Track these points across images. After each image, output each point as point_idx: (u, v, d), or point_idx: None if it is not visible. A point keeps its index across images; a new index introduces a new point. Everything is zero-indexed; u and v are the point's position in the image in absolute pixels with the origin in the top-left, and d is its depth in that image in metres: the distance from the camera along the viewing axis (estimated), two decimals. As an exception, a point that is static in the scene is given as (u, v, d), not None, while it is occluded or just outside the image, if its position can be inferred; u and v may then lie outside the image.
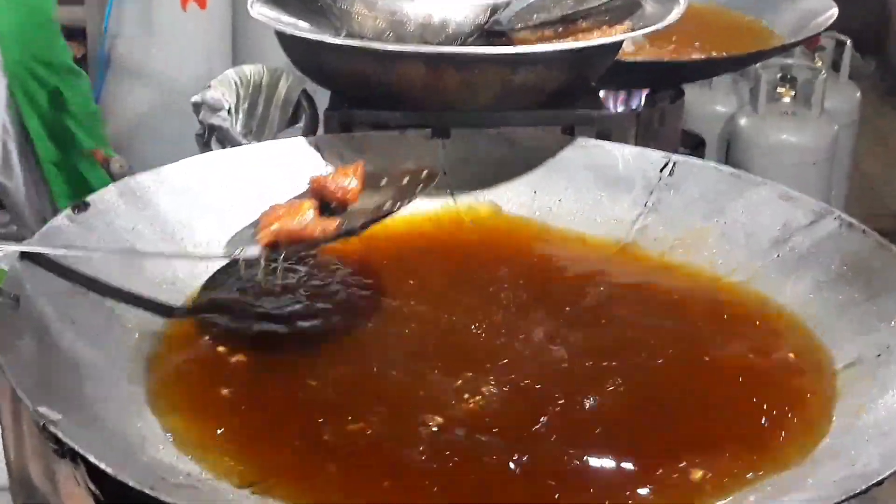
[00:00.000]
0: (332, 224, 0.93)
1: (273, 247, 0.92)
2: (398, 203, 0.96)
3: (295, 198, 0.99)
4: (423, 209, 1.15)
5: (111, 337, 0.88)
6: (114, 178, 1.15)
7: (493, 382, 0.85)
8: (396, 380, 0.87)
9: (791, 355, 0.91)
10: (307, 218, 0.93)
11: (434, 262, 1.07)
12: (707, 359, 0.90)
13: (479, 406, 0.83)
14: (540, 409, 0.82)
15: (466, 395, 0.84)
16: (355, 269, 1.04)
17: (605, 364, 0.88)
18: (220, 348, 0.90)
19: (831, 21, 1.71)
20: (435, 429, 0.80)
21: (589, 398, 0.84)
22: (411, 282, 1.02)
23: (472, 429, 0.80)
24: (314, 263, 1.03)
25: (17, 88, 1.65)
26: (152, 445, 0.77)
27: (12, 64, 1.64)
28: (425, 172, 1.02)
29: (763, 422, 0.82)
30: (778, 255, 1.02)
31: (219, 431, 0.80)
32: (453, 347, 0.91)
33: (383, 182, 1.03)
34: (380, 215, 0.95)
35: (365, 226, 0.94)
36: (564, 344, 0.91)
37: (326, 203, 0.98)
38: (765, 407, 0.84)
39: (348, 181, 0.98)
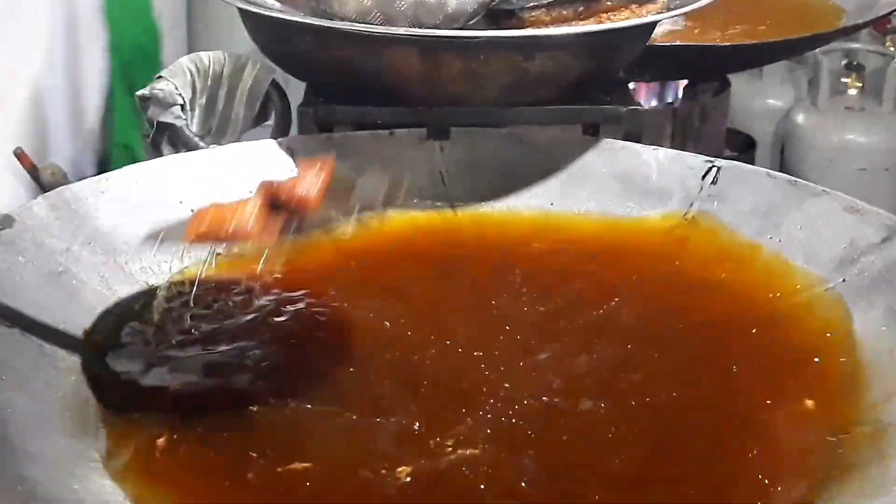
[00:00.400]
0: (276, 223, 0.94)
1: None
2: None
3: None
4: (419, 224, 1.16)
5: (41, 380, 0.88)
6: (44, 188, 1.15)
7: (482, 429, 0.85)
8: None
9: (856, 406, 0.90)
10: (247, 214, 0.93)
11: (431, 287, 1.07)
12: (749, 412, 0.90)
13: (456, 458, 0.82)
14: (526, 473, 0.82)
15: (443, 443, 0.84)
16: (334, 292, 1.04)
17: (622, 410, 0.89)
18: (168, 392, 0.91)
19: (905, -2, 1.72)
20: (399, 479, 0.80)
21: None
22: (400, 309, 1.02)
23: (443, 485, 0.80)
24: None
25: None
26: (91, 511, 0.77)
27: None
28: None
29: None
30: (844, 280, 1.02)
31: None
32: (439, 384, 0.91)
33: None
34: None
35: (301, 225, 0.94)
36: (580, 388, 0.91)
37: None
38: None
39: (309, 183, 0.97)
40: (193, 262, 1.06)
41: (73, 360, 0.91)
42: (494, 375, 0.91)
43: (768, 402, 0.90)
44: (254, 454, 0.83)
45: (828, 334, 0.98)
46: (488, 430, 0.85)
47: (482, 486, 0.80)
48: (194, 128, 1.34)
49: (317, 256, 1.10)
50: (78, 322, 0.95)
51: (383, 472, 0.81)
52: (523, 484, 0.80)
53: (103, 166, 1.65)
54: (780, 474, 0.82)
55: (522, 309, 1.01)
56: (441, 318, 1.00)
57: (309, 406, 0.88)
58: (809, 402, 0.90)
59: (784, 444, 0.86)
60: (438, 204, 1.18)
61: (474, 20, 1.23)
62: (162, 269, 1.05)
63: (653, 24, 1.26)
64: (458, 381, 0.91)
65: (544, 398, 0.89)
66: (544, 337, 0.97)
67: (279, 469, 0.81)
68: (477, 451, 0.83)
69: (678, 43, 1.69)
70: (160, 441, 0.85)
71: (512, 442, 0.84)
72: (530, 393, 0.89)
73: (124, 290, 1.01)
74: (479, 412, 0.87)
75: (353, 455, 0.83)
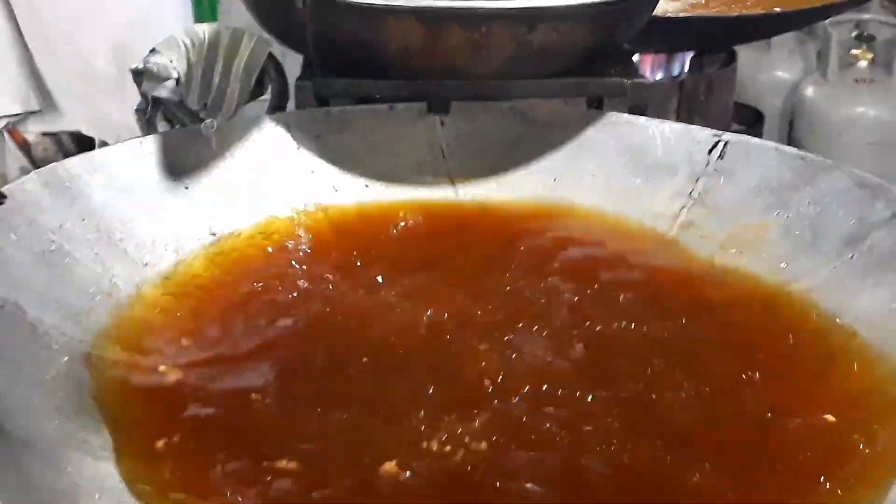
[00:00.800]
0: None
1: None
2: None
3: None
4: (418, 200, 1.15)
5: (34, 361, 0.88)
6: (37, 164, 1.14)
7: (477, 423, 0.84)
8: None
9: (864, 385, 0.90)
10: None
11: (430, 268, 1.06)
12: (765, 396, 0.89)
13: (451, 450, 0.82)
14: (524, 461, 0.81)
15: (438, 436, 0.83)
16: (330, 272, 1.04)
17: (625, 398, 0.88)
18: (165, 372, 0.90)
19: (917, -33, 1.71)
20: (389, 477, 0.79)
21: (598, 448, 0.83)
22: (396, 292, 1.01)
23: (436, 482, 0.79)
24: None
25: None
26: (85, 496, 0.77)
27: None
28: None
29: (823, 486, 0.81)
30: (853, 257, 1.01)
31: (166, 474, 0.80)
32: (434, 370, 0.90)
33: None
34: None
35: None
36: (582, 375, 0.90)
37: None
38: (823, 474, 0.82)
39: None
40: (188, 239, 1.06)
41: (65, 340, 0.91)
42: (494, 358, 0.91)
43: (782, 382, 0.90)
44: (248, 442, 0.83)
45: (837, 320, 0.98)
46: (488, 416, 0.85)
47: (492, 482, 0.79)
48: (189, 102, 1.33)
49: (315, 235, 1.10)
50: (71, 301, 0.94)
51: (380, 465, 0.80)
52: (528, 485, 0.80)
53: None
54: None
55: (528, 302, 1.01)
56: (438, 298, 0.99)
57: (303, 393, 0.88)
58: (818, 378, 0.90)
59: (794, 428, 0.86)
60: (438, 179, 1.17)
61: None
62: (157, 246, 1.04)
63: (658, -5, 1.25)
64: (456, 367, 0.91)
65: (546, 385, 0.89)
66: (542, 318, 0.97)
67: (265, 464, 0.81)
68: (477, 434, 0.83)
69: (685, 14, 1.69)
70: (156, 425, 0.85)
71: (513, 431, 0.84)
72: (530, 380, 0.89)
73: (119, 267, 1.01)
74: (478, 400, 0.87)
75: (350, 446, 0.83)
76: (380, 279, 1.03)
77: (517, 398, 0.87)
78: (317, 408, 0.86)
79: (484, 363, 0.91)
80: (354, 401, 0.87)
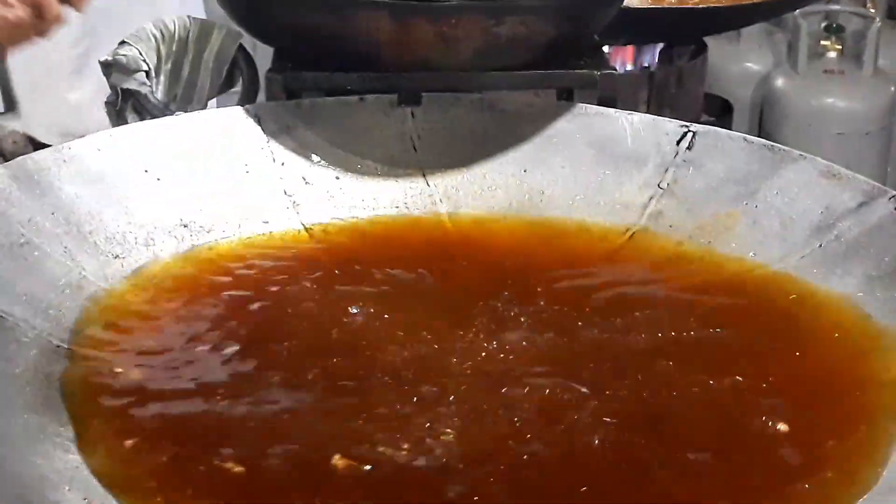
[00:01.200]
0: None
1: None
2: None
3: None
4: (388, 191, 1.15)
5: (4, 355, 0.88)
6: (6, 157, 1.14)
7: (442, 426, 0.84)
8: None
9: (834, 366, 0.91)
10: None
11: (397, 260, 1.06)
12: (733, 380, 0.90)
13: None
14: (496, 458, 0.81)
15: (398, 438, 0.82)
16: (293, 268, 1.04)
17: (604, 391, 0.88)
18: (132, 367, 0.91)
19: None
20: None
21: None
22: (366, 288, 1.01)
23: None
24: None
25: None
26: (54, 487, 0.77)
27: None
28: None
29: (791, 460, 0.82)
30: (820, 245, 1.02)
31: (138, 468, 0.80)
32: (398, 377, 0.90)
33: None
34: None
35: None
36: (553, 372, 0.90)
37: None
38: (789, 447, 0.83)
39: None
40: (158, 231, 1.06)
41: (35, 334, 0.91)
42: (465, 368, 0.91)
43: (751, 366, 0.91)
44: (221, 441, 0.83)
45: (803, 301, 0.99)
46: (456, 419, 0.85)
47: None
48: (159, 95, 1.33)
49: (296, 251, 1.10)
50: (41, 295, 0.94)
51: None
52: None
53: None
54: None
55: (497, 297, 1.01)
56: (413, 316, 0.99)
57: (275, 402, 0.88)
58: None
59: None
60: (409, 171, 1.17)
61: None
62: (127, 239, 1.04)
63: (627, -14, 1.26)
64: (425, 376, 0.90)
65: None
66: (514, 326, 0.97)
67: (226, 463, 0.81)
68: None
69: (654, 5, 1.69)
70: (124, 420, 0.85)
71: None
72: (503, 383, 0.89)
73: (89, 261, 1.00)
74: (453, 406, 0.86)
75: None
76: (349, 285, 1.03)
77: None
78: (276, 406, 0.86)
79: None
80: (310, 404, 0.87)
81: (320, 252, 1.08)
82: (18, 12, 1.02)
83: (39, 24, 1.05)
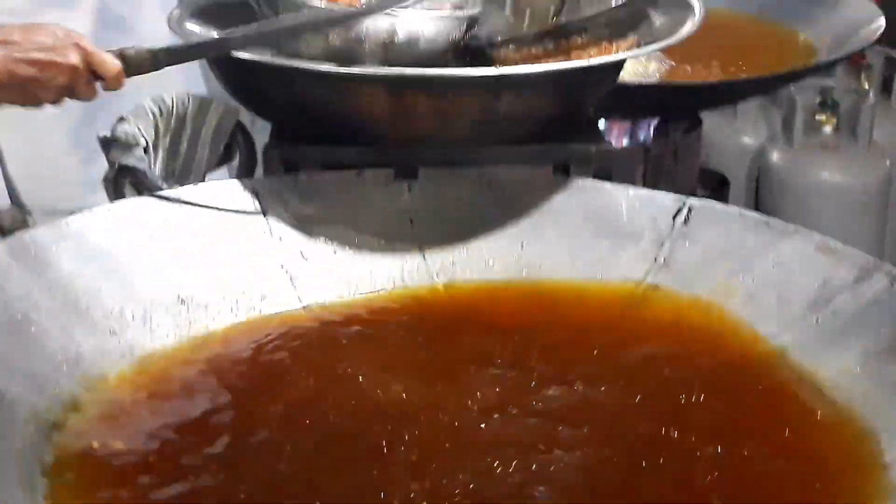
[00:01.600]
0: None
1: None
2: None
3: None
4: (385, 266, 1.16)
5: (0, 432, 0.88)
6: (4, 232, 1.14)
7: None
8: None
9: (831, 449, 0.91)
10: None
11: (396, 334, 1.07)
12: (727, 451, 0.90)
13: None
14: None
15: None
16: (296, 342, 1.05)
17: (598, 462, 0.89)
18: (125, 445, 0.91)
19: (879, 33, 1.74)
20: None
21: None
22: (365, 362, 1.02)
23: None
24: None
25: None
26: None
27: None
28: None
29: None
30: (817, 320, 1.03)
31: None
32: (398, 451, 0.90)
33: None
34: None
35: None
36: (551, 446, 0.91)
37: None
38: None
39: None
40: (155, 306, 1.06)
41: (31, 410, 0.90)
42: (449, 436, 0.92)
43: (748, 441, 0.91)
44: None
45: (801, 376, 0.99)
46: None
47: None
48: (157, 170, 1.34)
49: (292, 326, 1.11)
50: (37, 371, 0.94)
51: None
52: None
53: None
54: None
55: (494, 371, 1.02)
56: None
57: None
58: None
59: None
60: (407, 245, 1.18)
61: (443, 58, 1.24)
62: (124, 314, 1.04)
63: (622, 62, 1.27)
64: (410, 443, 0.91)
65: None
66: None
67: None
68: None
69: (650, 81, 1.70)
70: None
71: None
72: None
73: (86, 338, 1.00)
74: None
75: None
76: (348, 356, 1.03)
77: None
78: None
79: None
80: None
81: (315, 331, 1.08)
82: (72, 60, 1.04)
83: (90, 80, 1.06)
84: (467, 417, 0.94)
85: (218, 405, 0.97)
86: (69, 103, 1.11)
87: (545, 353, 1.03)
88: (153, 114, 1.34)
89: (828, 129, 2.53)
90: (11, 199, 1.49)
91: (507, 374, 0.99)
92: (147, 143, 1.31)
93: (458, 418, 0.94)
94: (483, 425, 0.93)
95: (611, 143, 1.33)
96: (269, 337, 1.06)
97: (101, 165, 1.32)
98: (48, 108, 1.09)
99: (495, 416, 0.94)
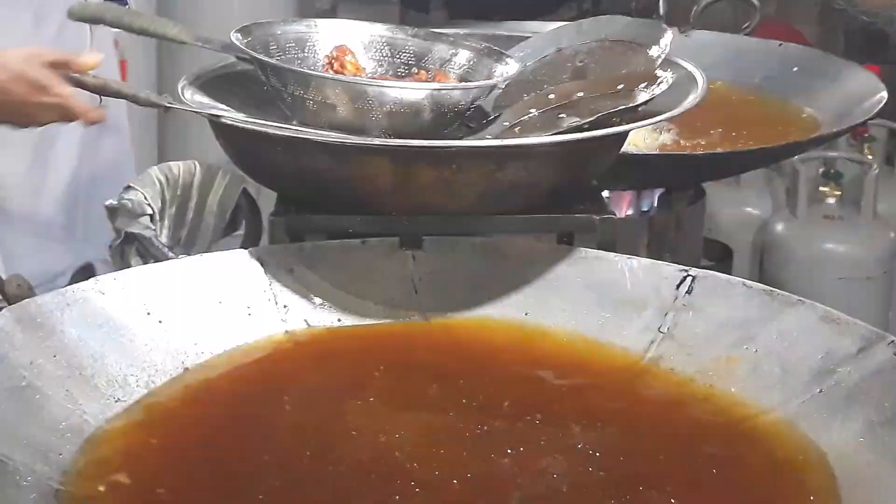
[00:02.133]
0: None
1: None
2: None
3: None
4: (391, 333, 1.16)
5: (3, 498, 0.88)
6: (9, 300, 1.15)
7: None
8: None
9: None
10: None
11: (403, 402, 1.07)
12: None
13: None
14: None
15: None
16: (301, 403, 1.05)
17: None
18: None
19: (881, 105, 1.75)
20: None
21: None
22: (373, 432, 1.02)
23: None
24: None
25: None
26: None
27: None
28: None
29: None
30: (821, 391, 1.03)
31: None
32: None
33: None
34: None
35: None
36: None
37: None
38: None
39: None
40: (160, 374, 1.07)
41: (35, 478, 0.90)
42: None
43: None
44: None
45: (805, 447, 0.99)
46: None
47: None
48: (163, 238, 1.35)
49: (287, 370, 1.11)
50: (41, 438, 0.95)
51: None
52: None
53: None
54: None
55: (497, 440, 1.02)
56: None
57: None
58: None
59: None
60: (411, 313, 1.18)
61: (449, 129, 1.25)
62: (129, 381, 1.05)
63: (625, 134, 1.28)
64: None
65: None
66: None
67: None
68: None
69: (654, 151, 1.71)
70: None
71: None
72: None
73: (90, 404, 1.01)
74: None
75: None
76: (350, 409, 1.04)
77: None
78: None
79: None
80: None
81: (323, 389, 1.09)
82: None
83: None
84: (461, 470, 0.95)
85: (220, 472, 0.96)
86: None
87: (545, 416, 1.03)
88: (160, 182, 1.35)
89: (831, 200, 2.55)
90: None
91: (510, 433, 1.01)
92: (153, 211, 1.32)
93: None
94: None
95: (615, 213, 1.34)
96: (271, 398, 1.06)
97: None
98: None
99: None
